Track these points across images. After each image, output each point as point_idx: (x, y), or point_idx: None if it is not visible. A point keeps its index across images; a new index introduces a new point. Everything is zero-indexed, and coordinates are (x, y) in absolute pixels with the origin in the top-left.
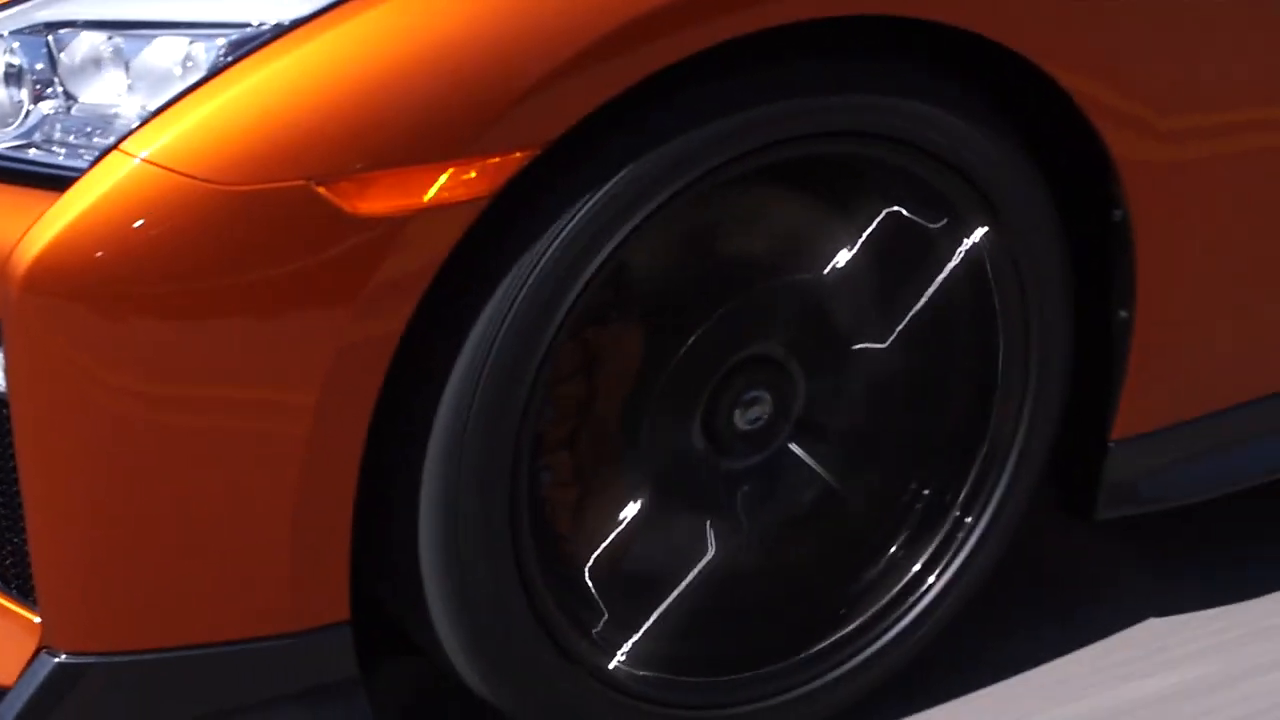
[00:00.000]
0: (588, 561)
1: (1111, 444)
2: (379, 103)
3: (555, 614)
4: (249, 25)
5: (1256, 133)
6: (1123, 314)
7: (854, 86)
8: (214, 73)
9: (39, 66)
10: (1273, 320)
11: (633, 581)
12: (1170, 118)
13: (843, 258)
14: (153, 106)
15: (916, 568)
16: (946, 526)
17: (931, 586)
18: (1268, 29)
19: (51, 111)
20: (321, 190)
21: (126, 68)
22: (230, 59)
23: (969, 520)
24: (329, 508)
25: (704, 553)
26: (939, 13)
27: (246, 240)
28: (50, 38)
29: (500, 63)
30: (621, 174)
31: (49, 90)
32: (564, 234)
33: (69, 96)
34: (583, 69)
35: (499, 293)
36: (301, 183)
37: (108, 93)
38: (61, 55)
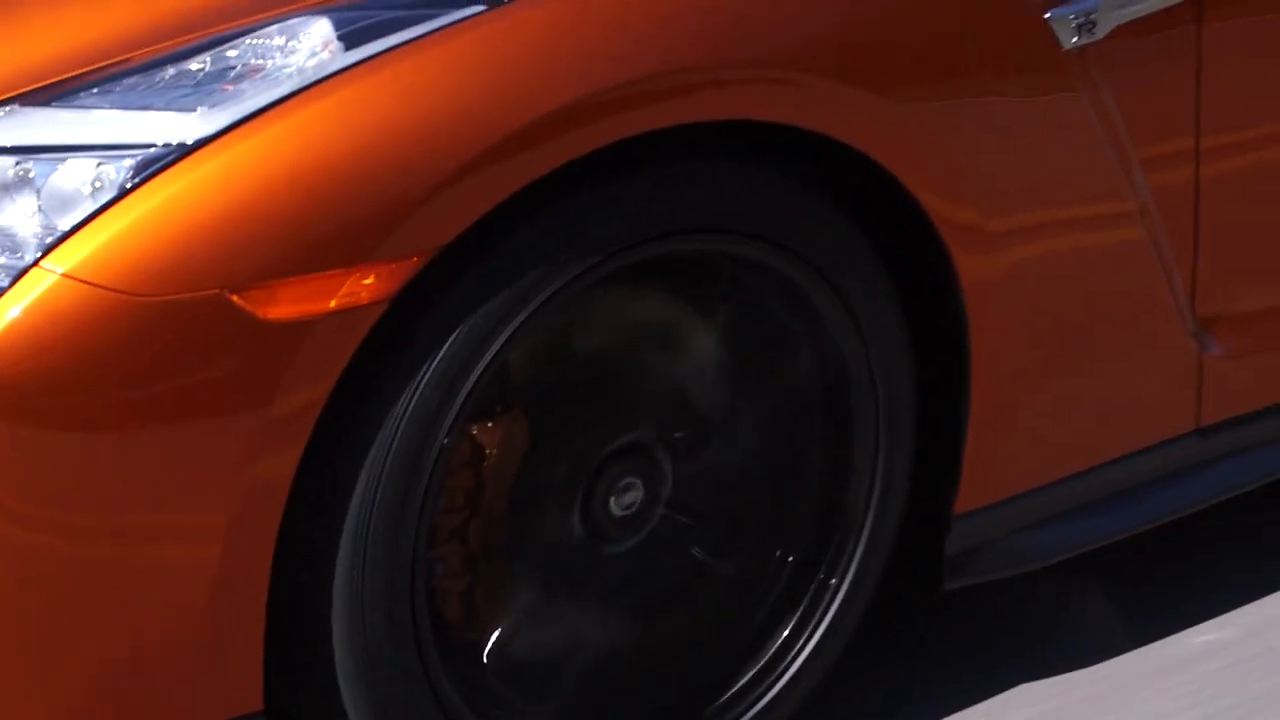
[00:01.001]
0: (484, 650)
1: (953, 519)
2: (284, 214)
3: (459, 705)
4: (155, 145)
5: (1079, 229)
6: (960, 398)
7: (712, 188)
8: (125, 192)
9: None
10: (1094, 399)
11: (526, 669)
12: (999, 218)
13: (707, 349)
14: (67, 226)
15: (785, 633)
16: (810, 594)
17: (800, 651)
18: (1083, 130)
19: None
20: (234, 298)
21: (38, 191)
22: (140, 178)
23: (833, 583)
24: (241, 628)
25: (591, 636)
26: (791, 117)
27: (165, 349)
28: None
29: (394, 174)
30: (506, 276)
31: None
32: (455, 335)
33: None
34: (468, 179)
35: (396, 394)
36: (215, 291)
37: (21, 215)
38: None
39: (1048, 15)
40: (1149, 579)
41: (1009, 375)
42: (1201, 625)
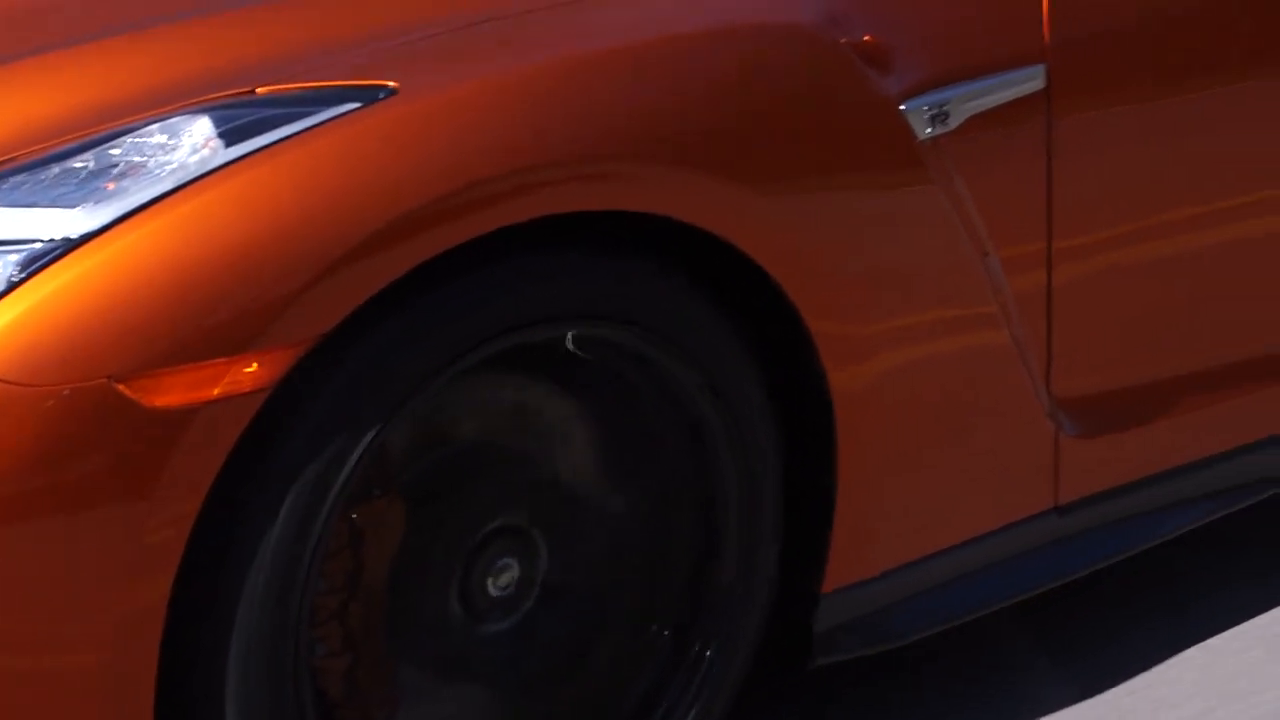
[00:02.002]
0: None
1: (822, 596)
2: (167, 305)
3: None
4: (41, 241)
5: (938, 316)
6: (826, 480)
7: (579, 276)
8: (11, 286)
9: None
10: (956, 479)
11: None
12: (861, 307)
13: (581, 433)
14: None
15: (663, 708)
16: (686, 668)
17: None
18: (939, 219)
19: None
20: (121, 387)
21: None
22: (26, 273)
23: (708, 655)
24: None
25: (472, 715)
26: (664, 208)
27: (55, 438)
28: None
29: (272, 266)
30: (381, 364)
31: None
32: (335, 421)
33: None
34: (342, 272)
35: (278, 480)
36: (103, 381)
37: None
38: None
39: (903, 106)
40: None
41: (874, 457)
42: None
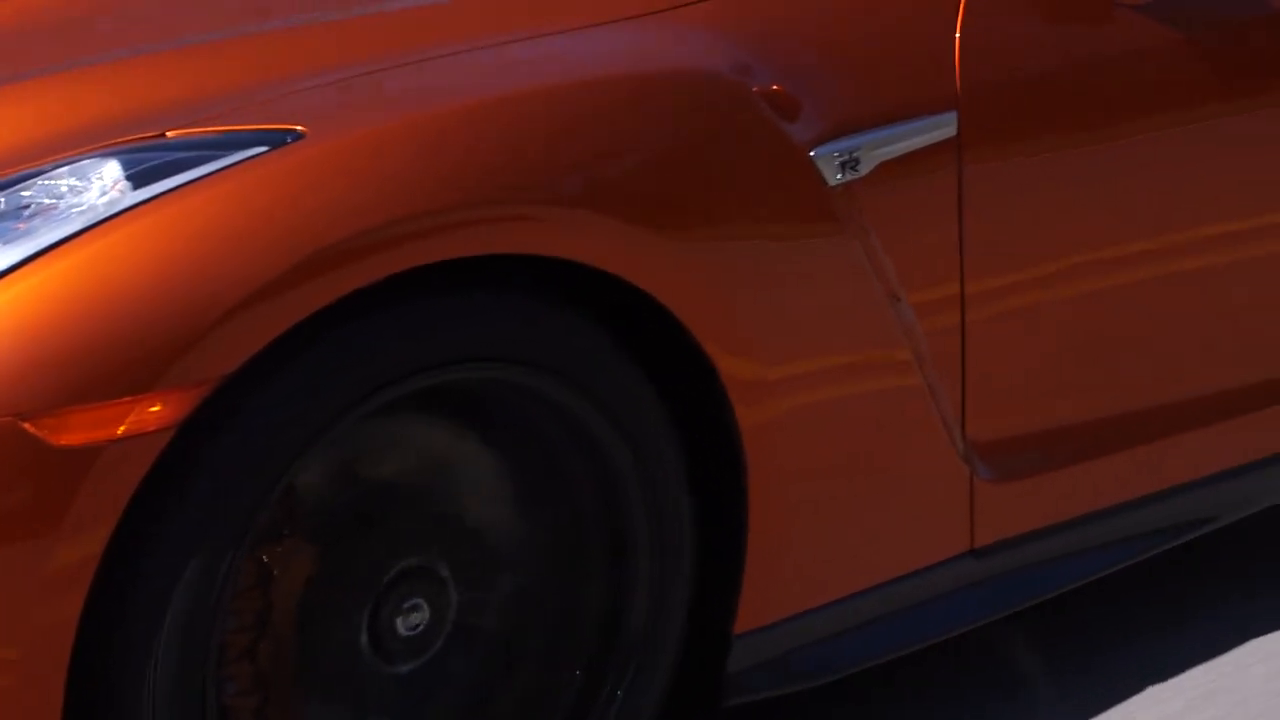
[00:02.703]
0: None
1: (735, 637)
2: (74, 343)
3: None
4: None
5: (850, 361)
6: (738, 523)
7: (485, 318)
8: None
9: None
10: (870, 522)
11: None
12: (771, 351)
13: (490, 474)
14: None
15: None
16: (598, 708)
17: None
18: (850, 264)
19: None
20: (27, 425)
21: None
22: None
23: (619, 695)
24: None
25: None
26: (569, 252)
27: None
28: None
29: (177, 306)
30: (288, 404)
31: None
32: (241, 461)
33: None
34: (246, 312)
35: (184, 519)
36: (8, 419)
37: None
38: None
39: (812, 153)
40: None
41: (785, 499)
42: None
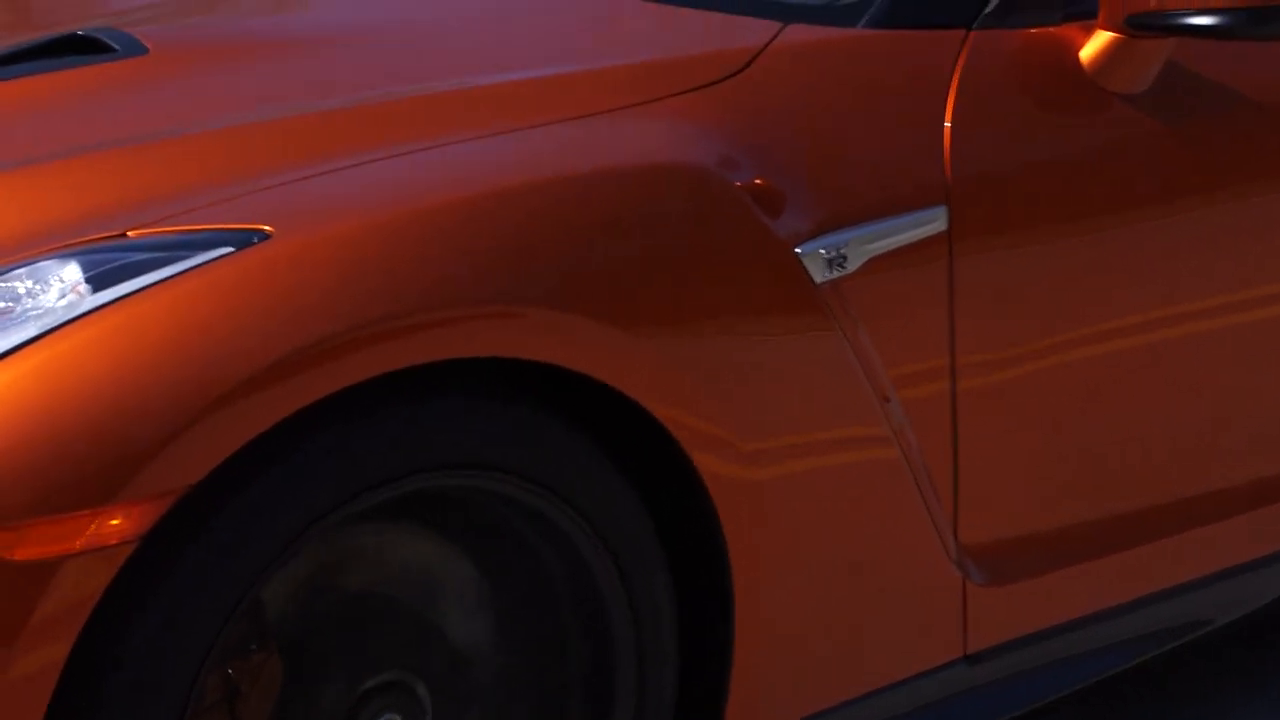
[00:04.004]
0: None
1: None
2: (29, 454)
3: None
4: None
5: (834, 458)
6: (724, 630)
7: (466, 424)
8: None
9: None
10: (859, 627)
11: None
12: (753, 449)
13: (465, 582)
14: None
15: None
16: None
17: None
18: (836, 362)
19: None
20: None
21: None
22: None
23: None
24: None
25: None
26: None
27: None
28: None
29: (137, 415)
30: (255, 515)
31: None
32: (207, 575)
33: None
34: (210, 421)
35: (146, 636)
36: None
37: None
38: None
39: (798, 250)
40: None
41: (771, 605)
42: None
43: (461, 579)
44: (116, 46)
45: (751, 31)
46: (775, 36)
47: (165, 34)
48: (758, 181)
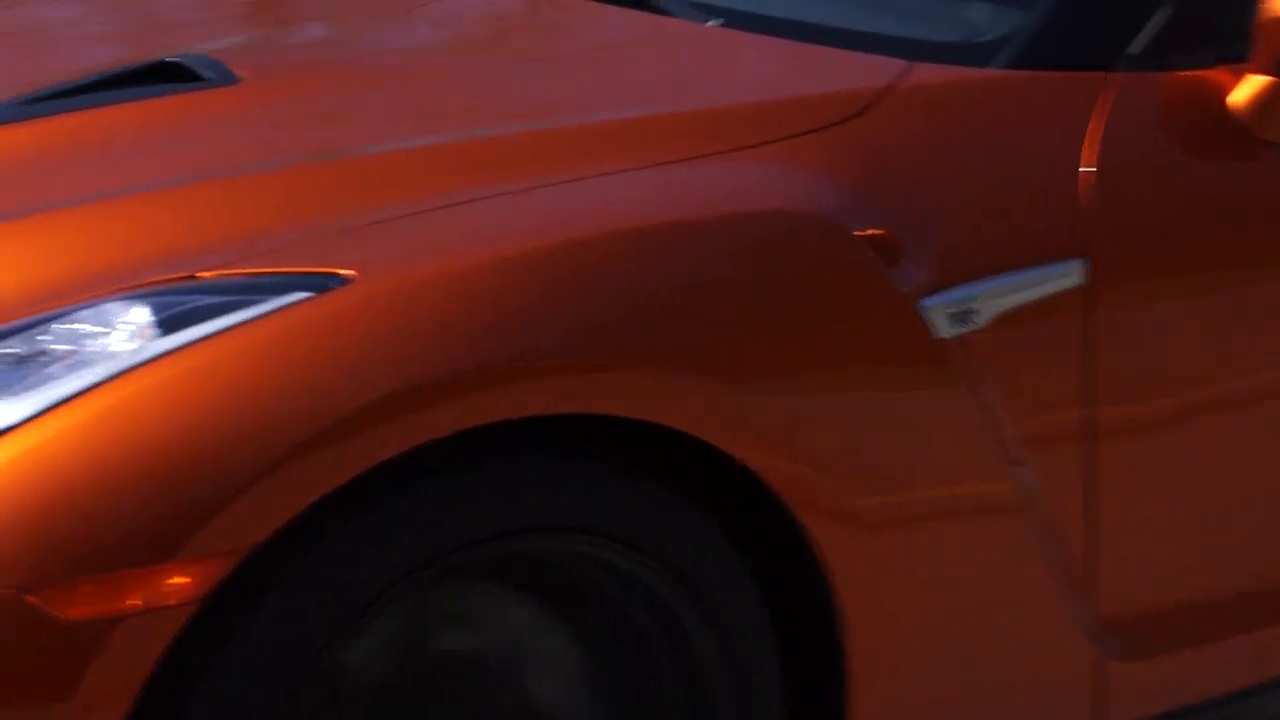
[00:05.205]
0: None
1: None
2: (83, 510)
3: None
4: None
5: (954, 519)
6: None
7: (558, 485)
8: None
9: None
10: (979, 703)
11: None
12: (870, 510)
13: (554, 646)
14: None
15: None
16: None
17: None
18: (962, 419)
19: None
20: (31, 599)
21: None
22: None
23: None
24: None
25: None
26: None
27: None
28: None
29: (203, 466)
30: (328, 577)
31: None
32: (277, 639)
33: None
34: (282, 474)
35: (209, 704)
36: (10, 591)
37: None
38: None
39: (923, 302)
40: None
41: (889, 680)
42: None
43: (554, 646)
44: (208, 75)
45: (876, 70)
46: (902, 76)
47: (258, 62)
48: (879, 230)
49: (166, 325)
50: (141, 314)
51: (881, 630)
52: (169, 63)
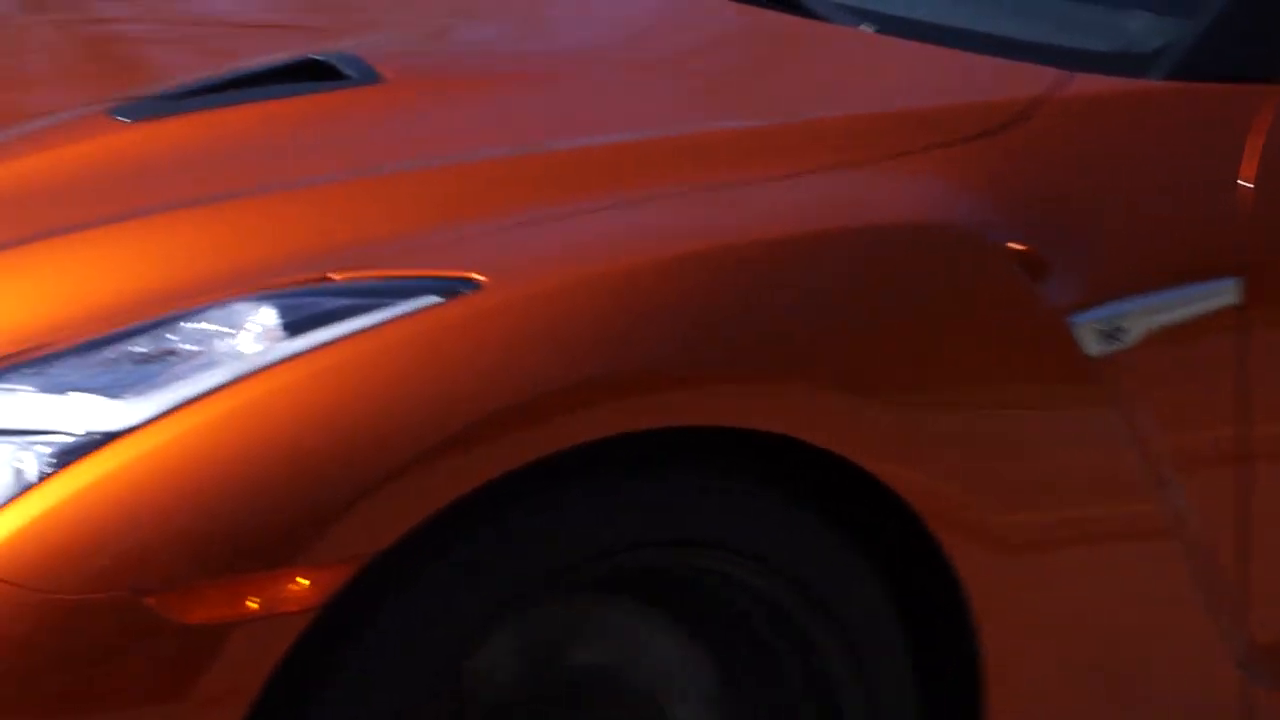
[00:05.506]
0: None
1: None
2: (204, 513)
3: None
4: (77, 434)
5: (1100, 540)
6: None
7: (683, 498)
8: (39, 481)
9: None
10: (1130, 705)
11: None
12: (1011, 529)
13: (686, 668)
14: None
15: None
16: None
17: None
18: (1109, 437)
19: None
20: (148, 601)
21: None
22: (55, 468)
23: None
24: None
25: None
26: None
27: (71, 649)
28: None
29: (326, 471)
30: (455, 585)
31: None
32: (397, 651)
33: None
34: (404, 480)
35: (328, 706)
36: (127, 594)
37: None
38: None
39: (1072, 320)
40: None
41: (1027, 709)
42: None
43: (681, 660)
44: (351, 74)
45: (1031, 79)
46: (1057, 86)
47: (402, 62)
48: (1027, 244)
49: (293, 327)
50: (269, 315)
51: (1021, 651)
52: (314, 60)
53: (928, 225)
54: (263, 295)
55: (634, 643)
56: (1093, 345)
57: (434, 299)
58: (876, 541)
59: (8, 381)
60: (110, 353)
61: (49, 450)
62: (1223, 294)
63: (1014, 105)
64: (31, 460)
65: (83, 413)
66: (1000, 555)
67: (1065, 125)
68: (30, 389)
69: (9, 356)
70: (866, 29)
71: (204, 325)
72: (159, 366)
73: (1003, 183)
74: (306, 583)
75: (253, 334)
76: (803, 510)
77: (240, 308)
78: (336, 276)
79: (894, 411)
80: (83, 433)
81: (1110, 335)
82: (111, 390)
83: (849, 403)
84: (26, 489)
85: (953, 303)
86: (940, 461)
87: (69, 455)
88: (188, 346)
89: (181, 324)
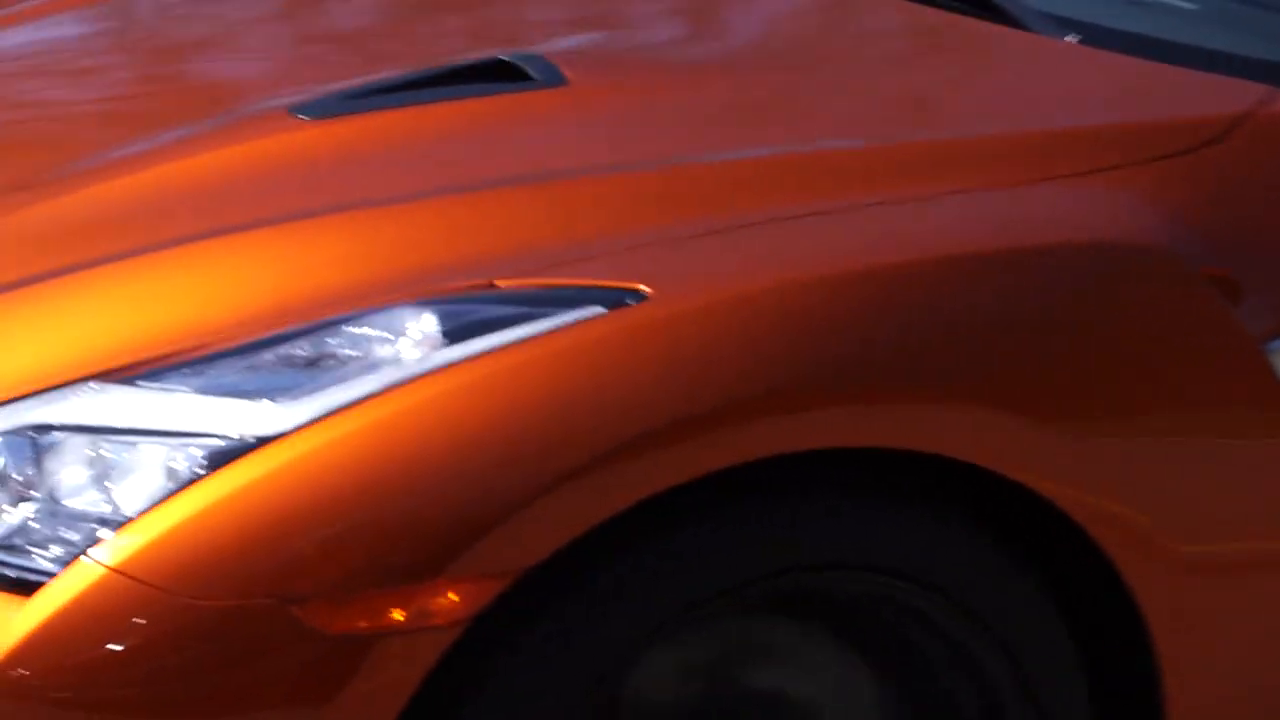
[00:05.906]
0: None
1: None
2: (354, 522)
3: None
4: (230, 437)
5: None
6: None
7: (849, 520)
8: (190, 483)
9: (23, 469)
10: None
11: None
12: (1195, 558)
13: (851, 693)
14: (129, 514)
15: None
16: None
17: None
18: None
19: (31, 514)
20: (294, 610)
21: (108, 473)
22: (207, 471)
23: None
24: None
25: None
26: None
27: (214, 655)
28: (35, 440)
29: (479, 483)
30: (602, 607)
31: (30, 492)
32: (547, 669)
33: (49, 499)
34: (559, 495)
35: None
36: (273, 601)
37: (87, 498)
38: (45, 459)
39: (1267, 346)
40: None
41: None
42: None
43: (846, 683)
44: (537, 76)
45: (1235, 95)
46: (1262, 103)
47: (588, 65)
48: (1223, 267)
49: (452, 335)
50: (430, 322)
51: (1202, 681)
52: (500, 61)
53: (1123, 245)
54: (424, 301)
55: (796, 665)
56: None
57: (598, 310)
58: (1049, 566)
59: (165, 382)
60: (269, 355)
61: (201, 453)
62: None
63: (1216, 123)
64: (183, 462)
65: (237, 416)
66: (1183, 581)
67: (1268, 145)
68: (187, 390)
69: (167, 356)
70: (1072, 39)
71: (365, 330)
72: (316, 371)
73: (1200, 203)
74: (456, 598)
75: (413, 340)
76: (975, 532)
77: (402, 313)
78: (502, 284)
79: (1078, 436)
80: (236, 436)
81: None
82: (267, 393)
83: (1027, 427)
84: (176, 491)
85: (1146, 325)
86: (1124, 487)
87: (221, 458)
88: (347, 351)
89: (343, 328)
